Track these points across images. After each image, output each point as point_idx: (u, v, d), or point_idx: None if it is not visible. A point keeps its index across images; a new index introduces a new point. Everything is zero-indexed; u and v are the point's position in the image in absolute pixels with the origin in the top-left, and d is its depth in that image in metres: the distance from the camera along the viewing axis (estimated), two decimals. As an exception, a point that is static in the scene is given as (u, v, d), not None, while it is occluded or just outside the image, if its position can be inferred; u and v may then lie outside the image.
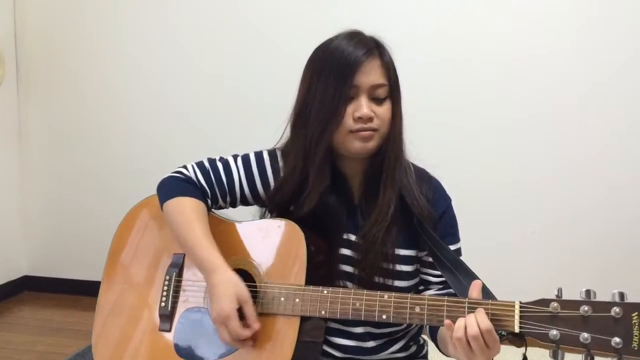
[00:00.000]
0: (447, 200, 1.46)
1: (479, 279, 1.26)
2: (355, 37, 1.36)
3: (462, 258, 1.43)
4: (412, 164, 1.45)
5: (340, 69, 1.32)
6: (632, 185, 2.89)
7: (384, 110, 1.34)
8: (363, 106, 1.31)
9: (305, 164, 1.37)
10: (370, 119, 1.32)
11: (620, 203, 2.91)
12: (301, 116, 1.39)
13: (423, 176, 1.45)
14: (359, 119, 1.31)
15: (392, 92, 1.36)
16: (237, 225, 1.44)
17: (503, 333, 1.16)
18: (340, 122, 1.32)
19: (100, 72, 3.46)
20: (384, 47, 1.38)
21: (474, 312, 1.15)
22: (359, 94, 1.33)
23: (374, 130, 1.33)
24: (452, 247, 1.42)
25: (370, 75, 1.33)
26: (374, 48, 1.35)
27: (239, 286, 1.29)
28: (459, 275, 1.32)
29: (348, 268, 1.40)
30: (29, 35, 3.52)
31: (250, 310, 1.29)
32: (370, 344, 1.45)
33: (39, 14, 3.49)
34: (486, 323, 1.12)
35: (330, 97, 1.32)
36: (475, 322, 1.13)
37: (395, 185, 1.37)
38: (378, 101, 1.34)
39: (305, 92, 1.38)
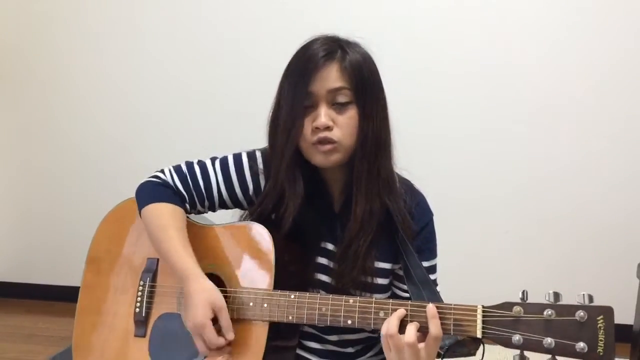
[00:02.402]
0: (429, 215, 1.43)
1: (442, 300, 1.25)
2: (323, 41, 1.31)
3: (436, 274, 1.44)
4: (398, 174, 1.40)
5: (297, 76, 1.28)
6: (607, 191, 2.93)
7: (346, 118, 1.27)
8: (320, 115, 1.26)
9: (280, 175, 1.34)
10: (328, 129, 1.26)
11: (596, 208, 2.95)
12: (273, 127, 1.35)
13: (407, 188, 1.41)
14: (316, 129, 1.26)
15: (358, 97, 1.28)
16: (209, 229, 1.42)
17: (446, 346, 1.16)
18: (300, 133, 1.28)
19: (69, 78, 3.42)
20: (351, 50, 1.30)
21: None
22: (318, 102, 1.27)
23: (333, 142, 1.27)
24: (428, 263, 1.40)
25: (326, 80, 1.26)
26: (336, 51, 1.28)
27: (214, 294, 1.27)
28: (424, 293, 1.30)
29: (323, 277, 1.39)
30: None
31: (225, 319, 1.27)
32: (349, 349, 1.46)
33: (7, 17, 3.44)
34: (412, 337, 1.12)
35: (290, 106, 1.28)
36: (414, 331, 1.13)
37: (371, 198, 1.32)
38: (339, 108, 1.28)
39: (275, 101, 1.35)
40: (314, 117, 1.27)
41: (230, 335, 1.27)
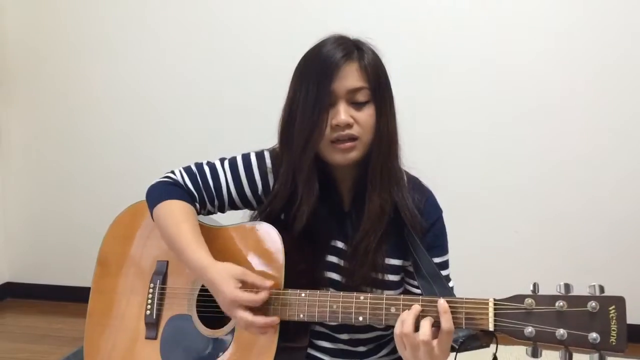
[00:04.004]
0: (438, 211, 1.43)
1: (454, 295, 1.26)
2: (336, 41, 1.32)
3: (449, 270, 1.44)
4: (406, 172, 1.42)
5: (317, 76, 1.28)
6: (616, 186, 2.92)
7: (365, 115, 1.29)
8: (340, 113, 1.27)
9: (294, 176, 1.34)
10: (348, 126, 1.27)
11: (604, 204, 2.93)
12: (287, 126, 1.35)
13: (416, 185, 1.42)
14: (337, 127, 1.27)
15: (375, 96, 1.30)
16: (217, 230, 1.43)
17: (461, 340, 1.16)
18: (323, 132, 1.27)
19: (83, 78, 3.42)
20: (366, 50, 1.32)
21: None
22: (337, 100, 1.28)
23: (354, 138, 1.28)
24: (439, 259, 1.40)
25: (347, 79, 1.27)
26: (353, 51, 1.30)
27: (231, 267, 1.28)
28: (435, 287, 1.30)
29: (334, 275, 1.39)
30: (10, 39, 3.47)
31: (253, 277, 1.27)
32: (360, 348, 1.45)
33: (21, 17, 3.45)
34: (427, 335, 1.12)
35: (310, 106, 1.28)
36: (429, 328, 1.13)
37: (383, 195, 1.33)
38: (358, 106, 1.29)
39: (290, 100, 1.34)
40: (332, 115, 1.28)
41: (268, 283, 1.27)
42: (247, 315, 1.24)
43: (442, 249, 1.43)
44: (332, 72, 1.27)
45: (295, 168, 1.33)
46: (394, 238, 1.37)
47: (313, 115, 1.28)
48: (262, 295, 1.25)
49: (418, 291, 1.39)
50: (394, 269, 1.40)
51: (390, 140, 1.33)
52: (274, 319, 1.26)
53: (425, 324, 1.13)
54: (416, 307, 1.16)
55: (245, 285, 1.26)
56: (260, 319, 1.24)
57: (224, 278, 1.25)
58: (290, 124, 1.34)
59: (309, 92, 1.29)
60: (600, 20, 2.85)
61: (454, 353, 1.20)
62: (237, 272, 1.27)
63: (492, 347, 1.19)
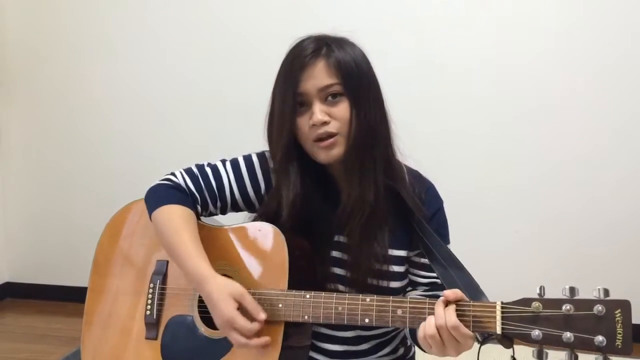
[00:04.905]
0: (439, 201, 1.45)
1: (470, 275, 1.26)
2: (306, 42, 1.34)
3: None
4: (406, 165, 1.43)
5: (286, 78, 1.31)
6: (616, 186, 2.92)
7: (340, 110, 1.30)
8: (315, 113, 1.28)
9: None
10: (325, 124, 1.29)
11: (604, 203, 2.94)
12: (269, 125, 1.39)
13: (416, 177, 1.43)
14: (314, 126, 1.29)
15: (349, 89, 1.30)
16: (220, 230, 1.42)
17: (492, 334, 1.15)
18: (291, 132, 1.31)
19: (83, 78, 3.42)
20: (336, 45, 1.32)
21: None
22: (311, 100, 1.30)
23: (334, 134, 1.30)
24: None
25: (316, 78, 1.29)
26: (321, 49, 1.31)
27: (231, 285, 1.27)
28: (450, 270, 1.30)
29: (339, 270, 1.39)
30: (10, 39, 3.47)
31: (250, 302, 1.26)
32: (363, 346, 1.45)
33: (21, 17, 3.45)
34: (452, 319, 1.12)
35: (281, 108, 1.32)
36: (443, 315, 1.13)
37: (363, 186, 1.32)
38: (333, 102, 1.30)
39: (271, 100, 1.38)
40: (309, 115, 1.30)
41: (262, 316, 1.26)
42: (241, 338, 1.25)
43: (445, 238, 1.43)
44: (297, 73, 1.29)
45: (275, 165, 1.36)
46: (398, 228, 1.38)
47: (283, 116, 1.31)
48: (255, 326, 1.25)
49: (424, 280, 1.41)
50: (398, 260, 1.40)
51: (371, 132, 1.32)
52: (267, 339, 1.26)
53: (449, 309, 1.13)
54: (452, 305, 1.15)
55: (241, 308, 1.26)
56: (255, 342, 1.25)
57: (223, 294, 1.26)
58: (270, 125, 1.38)
59: (279, 94, 1.33)
60: (600, 20, 2.85)
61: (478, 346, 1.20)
62: (237, 292, 1.27)
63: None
